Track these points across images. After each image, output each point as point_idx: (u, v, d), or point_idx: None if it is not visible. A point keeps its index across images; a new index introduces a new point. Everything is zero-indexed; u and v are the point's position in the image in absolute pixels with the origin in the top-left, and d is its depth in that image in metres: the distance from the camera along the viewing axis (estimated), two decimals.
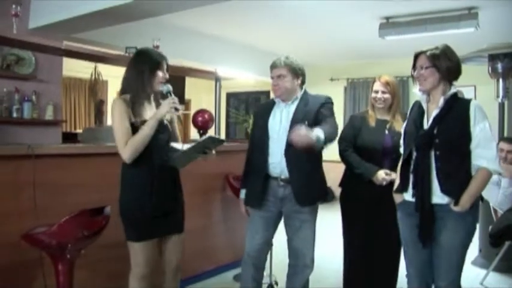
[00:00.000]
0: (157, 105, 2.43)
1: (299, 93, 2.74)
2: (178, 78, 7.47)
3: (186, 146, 2.38)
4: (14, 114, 4.68)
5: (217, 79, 4.65)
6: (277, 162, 2.68)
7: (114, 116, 2.30)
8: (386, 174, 2.82)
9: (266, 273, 3.00)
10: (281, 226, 2.85)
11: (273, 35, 6.63)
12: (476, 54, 4.35)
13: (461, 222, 2.25)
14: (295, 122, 2.62)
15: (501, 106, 4.61)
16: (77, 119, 8.64)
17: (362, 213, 2.95)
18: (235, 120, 9.91)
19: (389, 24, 5.60)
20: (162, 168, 2.38)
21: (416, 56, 2.38)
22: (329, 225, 3.82)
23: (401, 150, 2.53)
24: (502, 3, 4.79)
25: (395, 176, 2.57)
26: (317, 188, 2.76)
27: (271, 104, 2.84)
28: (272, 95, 2.98)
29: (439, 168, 2.25)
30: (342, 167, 3.11)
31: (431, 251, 2.33)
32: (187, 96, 9.30)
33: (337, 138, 3.07)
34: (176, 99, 2.31)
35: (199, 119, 4.34)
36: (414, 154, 2.35)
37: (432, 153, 2.27)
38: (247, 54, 7.48)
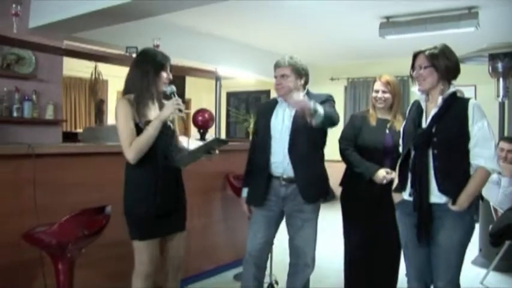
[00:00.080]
0: (160, 105, 2.44)
1: (302, 94, 2.75)
2: (178, 78, 7.47)
3: (192, 145, 2.40)
4: (15, 114, 4.68)
5: (217, 78, 4.65)
6: (279, 162, 2.69)
7: (119, 116, 2.31)
8: (387, 173, 2.82)
9: (266, 272, 2.99)
10: (281, 225, 2.86)
11: (274, 35, 6.63)
12: (476, 54, 4.36)
13: (460, 222, 2.25)
14: (297, 119, 2.63)
15: (501, 105, 4.61)
16: (77, 118, 8.64)
17: (362, 212, 2.96)
18: (236, 120, 9.91)
19: (389, 24, 5.60)
20: (166, 168, 2.40)
21: (415, 56, 2.38)
22: (330, 225, 3.82)
23: (401, 149, 2.53)
24: (502, 2, 4.79)
25: (396, 176, 2.58)
26: (321, 185, 2.78)
27: (273, 103, 2.84)
28: (272, 95, 2.98)
29: (437, 167, 2.25)
30: (342, 167, 3.11)
31: (430, 251, 2.33)
32: (187, 96, 9.30)
33: (339, 138, 3.10)
34: (180, 101, 2.33)
35: (200, 118, 4.35)
36: (412, 153, 2.35)
37: (430, 152, 2.27)
38: (248, 53, 7.48)
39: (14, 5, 3.90)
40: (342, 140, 3.07)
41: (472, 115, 2.23)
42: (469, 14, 5.09)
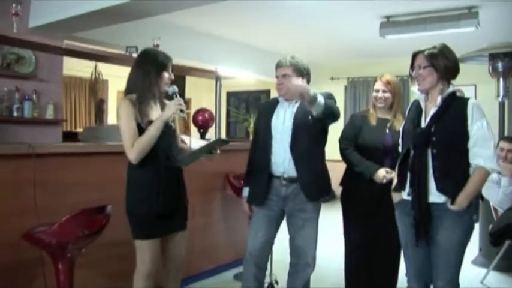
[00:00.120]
0: (162, 105, 2.45)
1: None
2: (178, 77, 7.45)
3: (194, 144, 2.41)
4: (15, 113, 4.68)
5: (217, 78, 4.65)
6: (280, 162, 2.69)
7: (121, 116, 2.32)
8: (387, 172, 2.82)
9: (266, 272, 2.99)
10: (281, 225, 2.86)
11: (274, 34, 6.63)
12: (476, 54, 4.36)
13: (459, 221, 2.25)
14: (298, 118, 2.64)
15: (501, 105, 4.61)
16: (77, 118, 8.64)
17: (362, 212, 2.96)
18: (236, 120, 9.90)
19: (389, 24, 5.60)
20: (168, 168, 2.41)
21: (414, 56, 2.38)
22: (330, 224, 3.82)
23: (400, 149, 2.53)
24: (502, 2, 4.79)
25: (395, 175, 2.58)
26: (323, 183, 2.78)
27: (274, 103, 2.84)
28: (273, 94, 2.98)
29: (436, 167, 2.25)
30: (342, 166, 3.11)
31: (430, 250, 2.33)
32: (187, 95, 9.29)
33: (339, 137, 3.10)
34: (182, 101, 2.35)
35: (200, 118, 4.36)
36: (412, 153, 2.35)
37: (429, 152, 2.27)
38: (248, 53, 7.48)
39: (14, 5, 3.90)
40: (342, 140, 3.07)
41: (471, 115, 2.23)
42: (469, 14, 5.09)
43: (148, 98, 2.37)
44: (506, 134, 4.90)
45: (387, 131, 2.95)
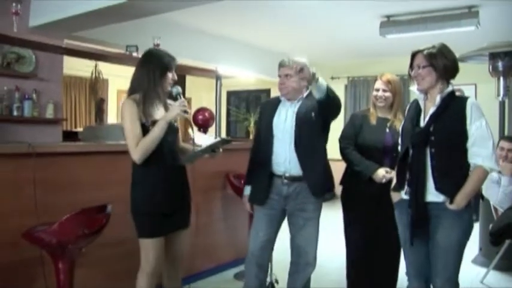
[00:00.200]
0: (165, 105, 2.47)
1: (305, 94, 2.75)
2: (179, 77, 7.44)
3: (198, 138, 2.43)
4: (15, 113, 4.68)
5: (217, 77, 4.65)
6: (281, 161, 2.70)
7: (125, 117, 2.32)
8: (387, 172, 2.82)
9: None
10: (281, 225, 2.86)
11: (274, 34, 6.63)
12: (476, 53, 4.36)
13: (458, 221, 2.25)
14: (300, 115, 2.66)
15: (502, 104, 4.62)
16: (78, 117, 8.63)
17: (363, 211, 2.96)
18: (236, 119, 9.90)
19: (390, 23, 5.60)
20: (172, 167, 2.43)
21: (413, 55, 2.38)
22: (330, 224, 3.81)
23: (399, 148, 2.53)
24: (503, 2, 4.78)
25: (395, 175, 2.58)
26: (328, 178, 2.80)
27: (276, 103, 2.84)
28: (273, 94, 2.99)
29: (434, 166, 2.25)
30: (342, 165, 3.11)
31: (429, 249, 2.33)
32: (187, 95, 9.28)
33: (339, 136, 3.10)
34: (186, 102, 2.37)
35: (200, 117, 4.35)
36: (410, 152, 2.35)
37: (428, 151, 2.27)
38: (248, 52, 7.48)
39: (14, 4, 3.90)
40: (342, 139, 3.07)
41: (470, 114, 2.23)
42: (470, 13, 5.08)
43: (152, 98, 2.38)
44: (506, 133, 4.90)
45: (387, 130, 2.95)
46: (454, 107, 2.27)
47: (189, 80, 8.78)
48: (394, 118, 2.98)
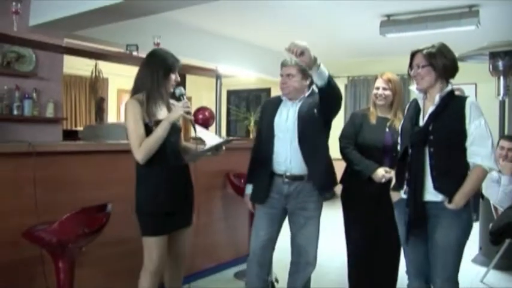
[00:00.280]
0: (168, 106, 2.49)
1: (307, 93, 2.75)
2: (179, 76, 7.46)
3: (200, 133, 2.48)
4: (15, 112, 4.68)
5: (218, 77, 4.64)
6: (282, 160, 2.70)
7: (129, 117, 2.34)
8: (386, 171, 2.82)
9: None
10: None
11: (274, 33, 6.62)
12: (477, 52, 4.36)
13: (457, 220, 2.25)
14: (302, 113, 2.67)
15: (502, 104, 4.62)
16: (78, 116, 8.63)
17: (362, 210, 2.96)
18: (236, 118, 9.90)
19: (390, 22, 5.60)
20: (175, 167, 2.46)
21: (413, 55, 2.38)
22: (330, 223, 3.82)
23: (399, 147, 2.53)
24: (503, 1, 4.79)
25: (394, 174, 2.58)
26: (332, 174, 2.80)
27: (277, 102, 2.84)
28: (273, 93, 2.98)
29: (433, 166, 2.25)
30: (342, 165, 3.11)
31: (428, 249, 2.33)
32: (188, 94, 9.27)
33: (339, 136, 3.09)
34: (189, 103, 2.39)
35: (200, 116, 4.34)
36: (409, 151, 2.35)
37: (426, 150, 2.27)
38: (248, 52, 7.47)
39: (14, 3, 3.90)
40: (342, 138, 3.07)
41: (469, 113, 2.23)
42: (470, 13, 5.08)
43: (156, 98, 2.39)
44: (506, 132, 4.90)
45: (387, 129, 2.95)
46: (453, 107, 2.27)
47: (189, 79, 8.77)
48: (394, 117, 2.98)
